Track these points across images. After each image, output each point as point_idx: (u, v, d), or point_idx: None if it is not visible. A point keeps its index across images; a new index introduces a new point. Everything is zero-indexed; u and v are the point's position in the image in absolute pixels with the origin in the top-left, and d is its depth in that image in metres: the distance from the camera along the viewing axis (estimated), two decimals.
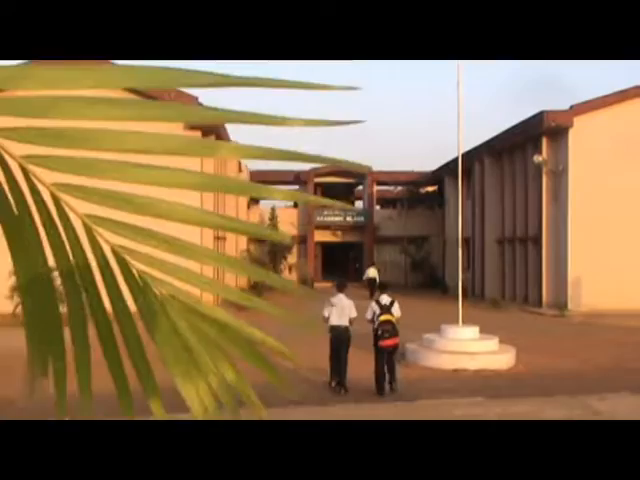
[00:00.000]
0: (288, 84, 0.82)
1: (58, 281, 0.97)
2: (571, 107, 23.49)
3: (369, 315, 9.58)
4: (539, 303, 24.51)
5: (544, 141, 24.62)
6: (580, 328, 18.31)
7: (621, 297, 22.18)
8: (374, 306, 9.54)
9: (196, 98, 19.74)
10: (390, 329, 9.19)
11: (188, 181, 0.88)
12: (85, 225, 0.93)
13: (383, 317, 9.28)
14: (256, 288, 25.70)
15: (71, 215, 0.92)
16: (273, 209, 35.98)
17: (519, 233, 27.11)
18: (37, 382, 0.97)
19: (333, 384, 9.61)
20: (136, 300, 0.98)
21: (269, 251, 32.22)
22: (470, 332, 12.75)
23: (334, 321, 9.52)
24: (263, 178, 37.28)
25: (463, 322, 13.09)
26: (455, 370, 11.57)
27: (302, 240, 37.20)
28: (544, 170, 24.52)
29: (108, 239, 0.95)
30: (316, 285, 33.92)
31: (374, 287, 10.45)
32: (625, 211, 23.14)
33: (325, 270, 38.58)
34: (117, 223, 0.93)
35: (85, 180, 0.87)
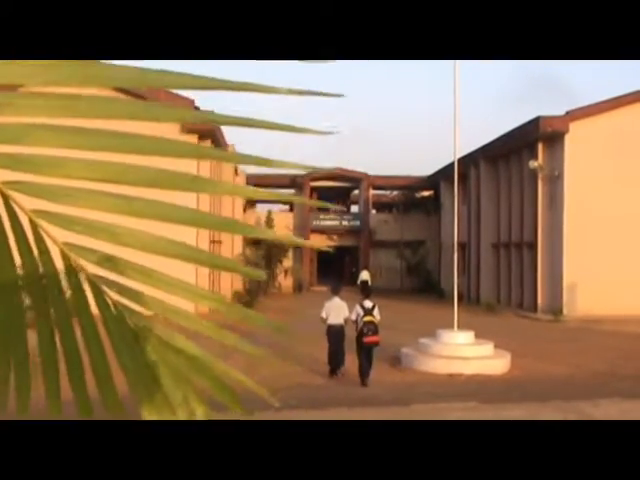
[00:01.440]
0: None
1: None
2: (567, 113, 23.57)
3: (353, 316, 10.85)
4: (534, 308, 24.54)
5: (540, 146, 24.70)
6: (575, 333, 18.33)
7: (616, 303, 22.23)
8: (358, 309, 10.79)
9: (192, 101, 19.72)
10: (373, 328, 10.55)
11: (170, 214, 0.88)
12: (62, 253, 0.93)
13: (367, 318, 10.59)
14: (250, 293, 25.67)
15: (49, 242, 0.92)
16: (269, 213, 35.98)
17: (514, 238, 27.16)
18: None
19: (333, 373, 11.09)
20: (109, 330, 0.97)
21: (264, 255, 32.21)
22: (465, 337, 12.77)
23: (331, 320, 11.08)
24: (259, 181, 37.29)
25: (458, 327, 13.09)
26: (450, 375, 11.57)
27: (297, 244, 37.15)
28: (540, 175, 24.59)
29: (85, 268, 0.94)
30: (312, 289, 33.90)
31: (366, 288, 11.68)
32: (620, 217, 23.21)
33: (321, 274, 38.56)
34: (94, 252, 0.93)
35: (65, 208, 0.87)
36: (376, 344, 10.65)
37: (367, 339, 10.51)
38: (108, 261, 0.93)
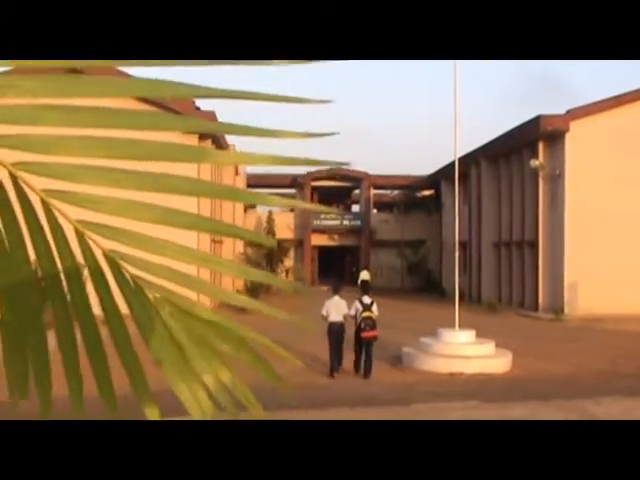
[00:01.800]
0: (263, 97, 0.83)
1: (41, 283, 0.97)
2: (567, 112, 23.55)
3: (352, 312, 11.38)
4: (535, 307, 24.53)
5: (541, 145, 24.67)
6: (576, 332, 18.32)
7: (617, 301, 22.21)
8: (357, 305, 11.33)
9: (193, 102, 19.73)
10: (371, 323, 11.06)
11: (177, 186, 0.88)
12: (77, 230, 0.93)
13: (365, 314, 11.11)
14: (253, 290, 25.68)
15: (62, 220, 0.92)
16: (270, 213, 35.97)
17: (516, 237, 27.14)
18: (19, 388, 0.97)
19: (332, 370, 11.38)
20: (129, 304, 0.98)
21: (266, 254, 32.22)
22: (466, 336, 12.76)
23: (332, 318, 11.52)
24: (260, 182, 37.31)
25: (459, 326, 13.09)
26: (451, 374, 11.57)
27: (299, 244, 37.19)
28: (540, 174, 24.57)
29: (100, 244, 0.94)
30: (312, 289, 33.90)
31: (366, 287, 12.30)
32: (621, 216, 23.19)
33: (321, 273, 38.56)
34: (109, 228, 0.93)
35: (76, 187, 0.87)
36: (374, 339, 11.13)
37: (365, 334, 11.05)
38: (123, 236, 0.93)
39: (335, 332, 11.45)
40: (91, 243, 0.94)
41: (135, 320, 0.98)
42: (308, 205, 1.03)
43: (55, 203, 0.90)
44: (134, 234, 0.94)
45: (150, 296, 0.98)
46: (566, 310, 22.78)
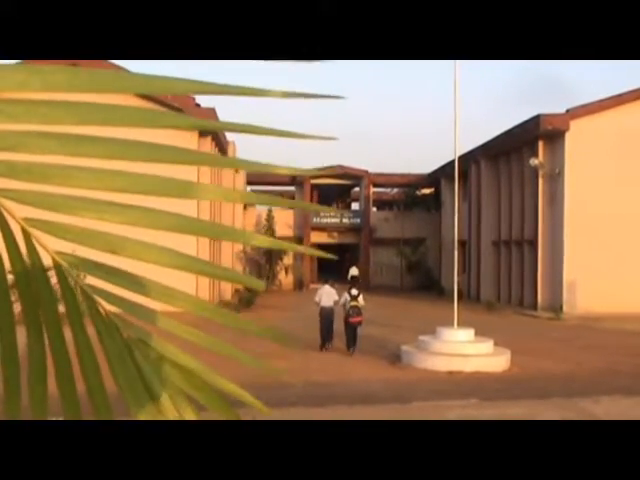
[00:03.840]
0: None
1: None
2: (567, 111, 23.55)
3: (342, 301, 14.15)
4: (534, 306, 24.54)
5: (540, 144, 24.68)
6: (575, 331, 18.34)
7: (616, 300, 22.23)
8: (346, 295, 14.01)
9: (193, 99, 19.70)
10: (357, 311, 13.78)
11: (165, 222, 0.87)
12: (55, 262, 0.92)
13: (352, 303, 13.83)
14: (251, 291, 25.70)
15: (40, 250, 0.91)
16: (270, 211, 35.96)
17: (515, 236, 27.15)
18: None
19: (322, 346, 14.02)
20: (102, 342, 0.96)
21: (265, 252, 32.22)
22: (465, 334, 12.77)
23: (323, 303, 14.31)
24: (260, 179, 37.31)
25: (458, 324, 13.10)
26: (450, 372, 11.59)
27: (298, 241, 37.20)
28: (540, 173, 24.57)
29: (77, 277, 0.93)
30: (311, 286, 33.92)
31: (355, 282, 15.84)
32: (621, 215, 23.21)
33: (321, 271, 38.56)
34: (89, 261, 0.92)
35: (58, 217, 0.86)
36: (359, 323, 13.82)
37: (352, 319, 13.72)
38: (101, 271, 0.93)
39: (325, 315, 14.21)
40: (68, 276, 0.92)
41: (106, 357, 0.97)
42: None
43: (35, 233, 0.89)
44: (114, 270, 0.93)
45: (124, 335, 0.97)
46: (565, 309, 22.80)
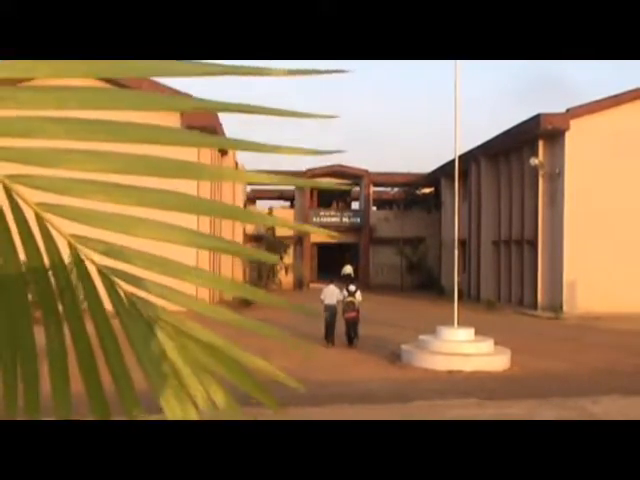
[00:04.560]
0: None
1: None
2: (567, 110, 23.54)
3: (340, 297, 15.38)
4: (534, 305, 24.54)
5: (540, 144, 24.66)
6: (575, 331, 18.34)
7: (616, 300, 22.23)
8: (345, 292, 15.36)
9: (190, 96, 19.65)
10: (352, 307, 14.97)
11: (174, 203, 0.87)
12: (71, 245, 0.91)
13: (349, 299, 15.14)
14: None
15: (55, 235, 0.90)
16: (270, 209, 35.95)
17: (515, 235, 27.14)
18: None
19: (326, 342, 14.86)
20: (122, 321, 0.95)
21: (265, 250, 32.18)
22: (465, 334, 12.77)
23: (327, 302, 15.35)
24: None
25: (458, 324, 13.10)
26: (450, 371, 11.58)
27: (298, 241, 37.20)
28: (540, 173, 24.56)
29: (94, 260, 0.93)
30: (311, 286, 33.92)
31: (348, 279, 17.33)
32: (621, 214, 23.20)
33: (321, 271, 38.56)
34: (104, 243, 0.91)
35: (70, 200, 0.86)
36: (355, 318, 14.91)
37: (347, 315, 14.93)
38: (118, 252, 0.92)
39: (329, 313, 15.13)
40: (85, 258, 0.92)
41: (128, 338, 0.96)
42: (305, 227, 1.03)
43: (49, 217, 0.89)
44: (130, 250, 0.92)
45: (144, 314, 0.96)
46: (565, 308, 22.80)
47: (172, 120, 19.17)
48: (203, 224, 19.80)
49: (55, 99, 0.81)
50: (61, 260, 0.94)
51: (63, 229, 0.90)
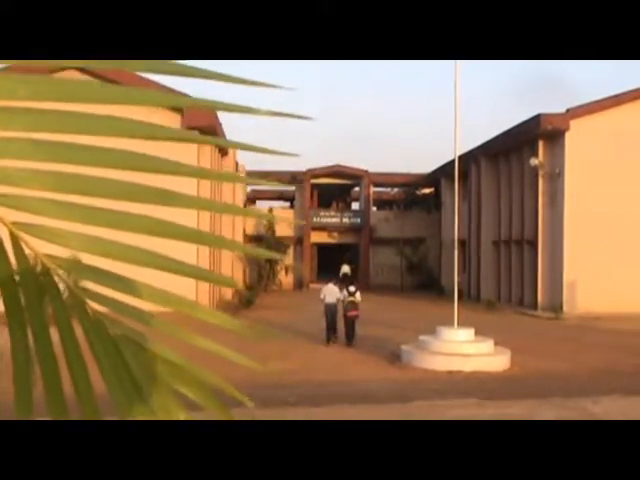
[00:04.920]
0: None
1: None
2: (567, 110, 23.55)
3: (341, 297, 15.82)
4: (534, 306, 24.54)
5: (540, 144, 24.67)
6: (575, 331, 18.34)
7: (616, 300, 22.23)
8: (345, 292, 15.81)
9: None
10: (353, 306, 15.39)
11: (145, 226, 0.88)
12: (43, 264, 0.93)
13: (349, 299, 15.54)
14: (251, 289, 25.70)
15: (28, 252, 0.92)
16: (270, 210, 35.96)
17: (515, 235, 27.15)
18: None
19: (327, 340, 15.37)
20: (89, 340, 0.97)
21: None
22: (465, 334, 12.77)
23: (327, 300, 15.77)
24: (260, 178, 37.18)
25: (458, 324, 13.10)
26: (450, 372, 11.59)
27: (298, 241, 37.19)
28: (540, 173, 24.57)
29: (65, 278, 0.94)
30: (311, 286, 33.92)
31: (346, 279, 17.22)
32: (621, 215, 23.20)
33: (321, 271, 38.56)
34: (76, 263, 0.93)
35: (45, 220, 0.87)
36: (356, 317, 15.37)
37: (349, 313, 15.31)
38: (90, 272, 0.94)
39: (329, 311, 15.67)
40: (55, 276, 0.94)
41: (93, 354, 0.99)
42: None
43: (23, 236, 0.90)
44: (102, 272, 0.94)
45: (111, 332, 0.97)
46: (565, 309, 22.80)
47: (172, 120, 19.20)
48: (203, 223, 19.79)
49: (29, 121, 0.82)
50: (32, 275, 0.95)
51: (36, 248, 0.92)
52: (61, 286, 0.95)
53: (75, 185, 0.85)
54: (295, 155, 0.91)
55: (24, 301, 0.96)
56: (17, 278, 0.95)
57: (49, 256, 0.94)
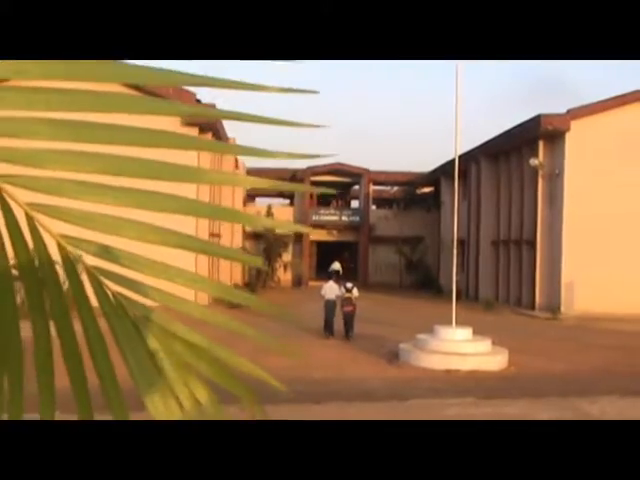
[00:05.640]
0: (263, 120, 0.83)
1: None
2: (568, 111, 23.53)
3: (339, 293, 16.51)
4: (532, 306, 24.55)
5: (541, 144, 24.66)
6: (572, 331, 18.36)
7: (614, 301, 22.23)
8: (342, 289, 16.48)
9: (194, 94, 19.68)
10: (349, 301, 16.09)
11: (165, 205, 0.88)
12: (59, 246, 0.92)
13: (346, 295, 16.21)
14: (250, 285, 25.66)
15: (45, 235, 0.91)
16: (269, 207, 35.93)
17: (514, 235, 27.15)
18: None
19: (326, 333, 16.03)
20: (109, 322, 0.97)
21: (264, 249, 32.21)
22: (463, 333, 12.78)
23: (327, 297, 16.47)
24: (259, 176, 37.18)
25: (456, 323, 13.11)
26: (447, 371, 11.59)
27: (297, 238, 37.17)
28: (540, 173, 24.56)
29: (83, 260, 0.94)
30: (310, 284, 33.91)
31: (337, 276, 18.81)
32: (619, 216, 23.20)
33: (319, 269, 38.54)
34: (91, 244, 0.92)
35: (61, 201, 0.86)
36: (352, 312, 16.01)
37: (345, 309, 16.02)
38: (106, 252, 0.93)
39: (329, 307, 16.34)
40: (73, 258, 0.93)
41: (114, 337, 0.97)
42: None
43: (39, 217, 0.89)
44: (118, 251, 0.93)
45: (131, 314, 0.97)
46: (563, 309, 22.81)
47: (172, 119, 19.10)
48: (202, 222, 19.78)
49: (46, 101, 0.82)
50: (49, 259, 0.95)
51: (52, 229, 0.91)
52: (79, 268, 0.94)
53: (98, 164, 0.84)
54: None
55: (44, 284, 0.95)
56: (35, 260, 0.94)
57: (64, 236, 0.92)
